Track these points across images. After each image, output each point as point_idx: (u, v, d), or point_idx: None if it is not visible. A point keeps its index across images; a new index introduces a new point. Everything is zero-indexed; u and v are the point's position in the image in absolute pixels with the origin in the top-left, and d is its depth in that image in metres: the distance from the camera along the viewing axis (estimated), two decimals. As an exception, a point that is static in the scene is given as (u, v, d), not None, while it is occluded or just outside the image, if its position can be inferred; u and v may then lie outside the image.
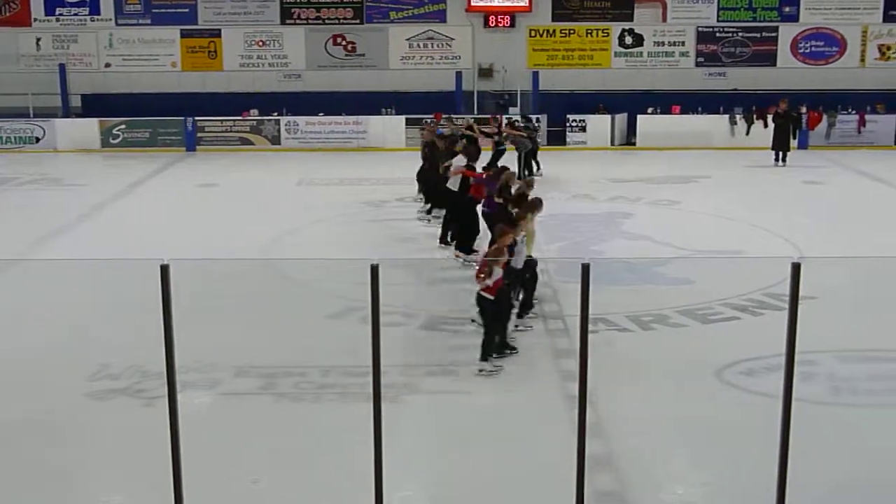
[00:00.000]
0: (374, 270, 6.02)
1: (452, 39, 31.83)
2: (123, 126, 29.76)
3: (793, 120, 26.96)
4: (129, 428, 8.99)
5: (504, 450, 8.49)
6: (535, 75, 30.95)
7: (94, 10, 31.78)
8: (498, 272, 10.07)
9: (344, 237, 17.48)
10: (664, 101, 30.29)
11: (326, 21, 31.78)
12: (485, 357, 10.32)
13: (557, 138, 29.77)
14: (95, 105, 31.14)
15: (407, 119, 29.08)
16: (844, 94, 30.40)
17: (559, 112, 29.78)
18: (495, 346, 10.41)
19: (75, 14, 31.80)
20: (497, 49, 31.64)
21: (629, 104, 30.21)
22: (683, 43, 31.76)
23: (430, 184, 18.43)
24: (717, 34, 31.70)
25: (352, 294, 11.93)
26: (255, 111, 30.25)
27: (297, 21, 31.79)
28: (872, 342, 11.30)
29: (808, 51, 31.74)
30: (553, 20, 31.77)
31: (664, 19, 31.62)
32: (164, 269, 6.04)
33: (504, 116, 26.51)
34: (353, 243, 16.72)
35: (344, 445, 8.25)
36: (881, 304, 12.57)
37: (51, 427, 9.04)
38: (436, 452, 8.55)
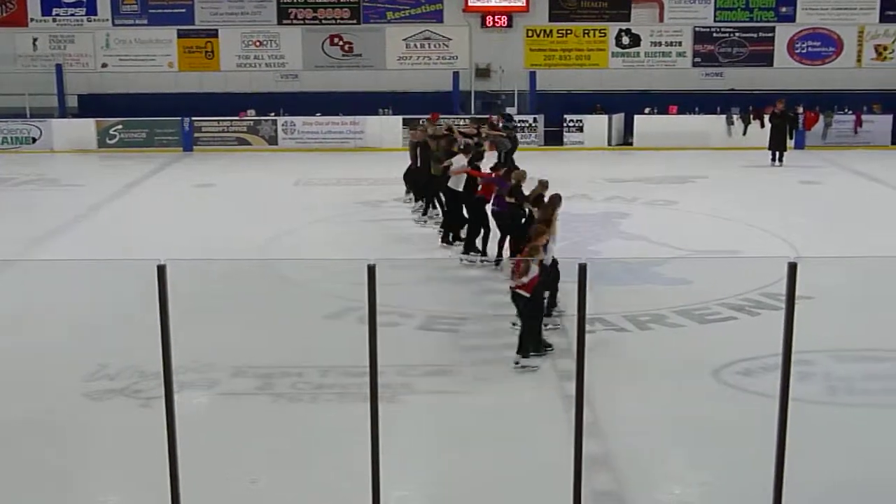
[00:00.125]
0: (371, 271, 6.02)
1: (449, 39, 31.84)
2: (120, 126, 29.74)
3: (789, 120, 26.97)
4: (126, 428, 8.98)
5: (501, 449, 8.50)
6: (533, 75, 30.96)
7: (91, 10, 31.76)
8: (534, 270, 10.17)
9: (341, 237, 17.49)
10: (661, 101, 30.32)
11: (323, 21, 31.77)
12: (524, 353, 10.41)
13: (554, 138, 29.80)
14: (92, 105, 31.11)
15: (404, 119, 29.08)
16: (841, 95, 30.43)
17: (556, 112, 29.81)
18: (533, 343, 10.49)
19: (72, 14, 31.78)
20: (494, 49, 31.65)
21: (626, 104, 30.22)
22: (680, 43, 31.78)
23: (421, 184, 18.44)
24: (714, 34, 31.72)
25: (349, 294, 11.91)
26: (252, 111, 30.26)
27: (294, 21, 31.78)
28: (869, 342, 11.32)
29: (804, 51, 31.77)
30: (550, 20, 31.78)
31: (661, 19, 31.64)
32: (161, 270, 6.04)
33: (495, 116, 26.50)
34: (351, 243, 16.72)
35: (341, 445, 8.25)
36: (878, 304, 12.59)
37: (48, 427, 9.03)
38: (433, 452, 8.56)
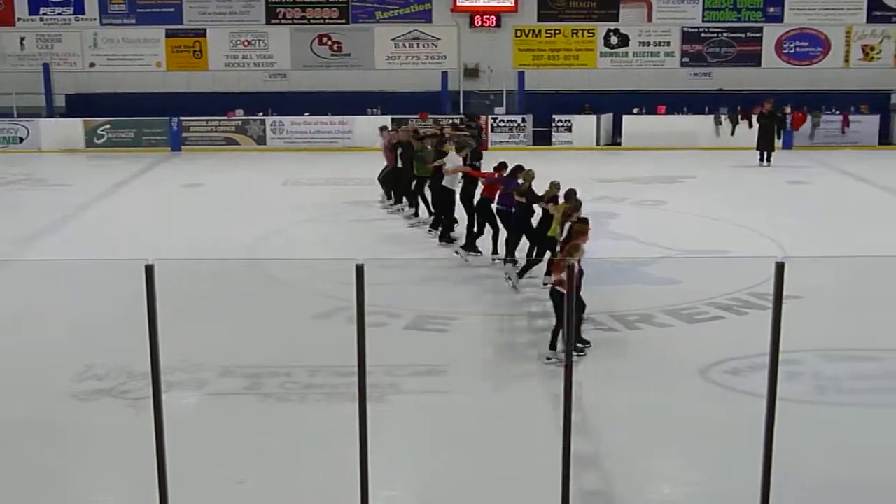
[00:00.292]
0: (360, 270, 6.01)
1: (438, 39, 31.83)
2: (108, 126, 29.67)
3: (777, 120, 27.07)
4: (114, 428, 8.95)
5: (490, 449, 8.50)
6: (521, 75, 30.99)
7: (79, 9, 31.66)
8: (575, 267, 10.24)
9: (330, 237, 17.47)
10: (649, 102, 30.39)
11: (312, 21, 31.73)
12: (554, 346, 10.46)
13: (543, 138, 29.85)
14: (80, 105, 31.03)
15: (393, 119, 29.04)
16: (828, 95, 30.56)
17: (545, 112, 29.86)
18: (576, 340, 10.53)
19: (59, 13, 31.67)
20: (483, 49, 31.66)
21: (614, 104, 30.28)
22: (669, 43, 31.85)
23: (403, 184, 18.43)
24: (703, 34, 31.80)
25: (338, 294, 11.88)
26: (240, 111, 30.22)
27: (283, 21, 31.73)
28: (856, 341, 11.35)
29: (792, 51, 31.87)
30: (539, 20, 31.81)
31: (649, 19, 31.69)
32: (149, 270, 6.02)
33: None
34: (339, 243, 16.70)
35: (330, 445, 8.24)
36: (865, 304, 12.63)
37: (35, 428, 8.99)
38: (421, 452, 8.55)
